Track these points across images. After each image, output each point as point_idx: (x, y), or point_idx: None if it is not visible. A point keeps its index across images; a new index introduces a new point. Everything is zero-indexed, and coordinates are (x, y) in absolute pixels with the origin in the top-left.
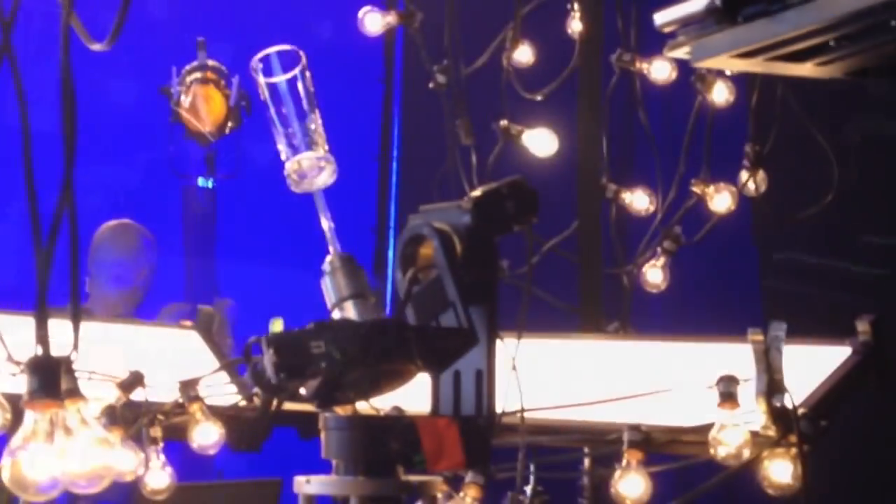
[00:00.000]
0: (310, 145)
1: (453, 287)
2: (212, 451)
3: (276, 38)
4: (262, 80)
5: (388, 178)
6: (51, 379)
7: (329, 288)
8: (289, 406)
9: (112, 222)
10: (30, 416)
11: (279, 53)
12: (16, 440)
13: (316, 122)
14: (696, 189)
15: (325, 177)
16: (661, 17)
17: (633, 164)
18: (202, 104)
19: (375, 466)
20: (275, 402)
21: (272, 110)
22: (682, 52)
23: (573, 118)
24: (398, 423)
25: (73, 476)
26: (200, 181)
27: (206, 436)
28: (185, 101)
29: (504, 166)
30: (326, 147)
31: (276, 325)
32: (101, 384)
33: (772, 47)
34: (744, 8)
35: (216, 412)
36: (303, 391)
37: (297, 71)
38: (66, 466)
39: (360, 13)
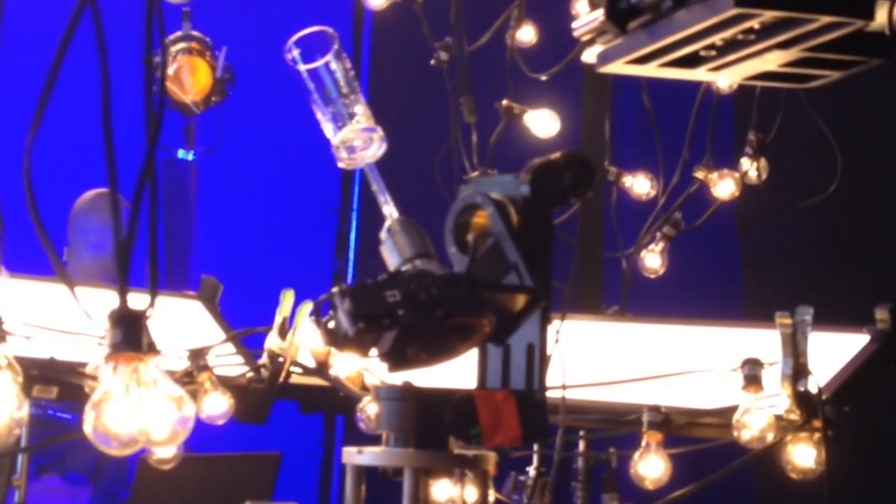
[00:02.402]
0: (353, 119)
1: (514, 249)
2: (220, 422)
3: (256, 14)
4: (301, 66)
5: None
6: (135, 331)
7: (391, 251)
8: (295, 379)
9: (92, 191)
10: (112, 369)
11: (314, 35)
12: (98, 394)
13: (357, 97)
14: (698, 175)
15: (374, 149)
16: (576, 27)
17: (635, 148)
18: (187, 75)
19: (429, 438)
20: (282, 374)
21: (313, 93)
22: (593, 58)
23: (576, 100)
24: (455, 395)
25: (150, 432)
26: (181, 153)
27: (215, 406)
28: (170, 70)
29: (506, 146)
30: (372, 119)
31: (288, 297)
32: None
33: (658, 54)
34: (630, 19)
35: (223, 383)
36: (374, 353)
37: (332, 53)
38: (145, 421)
39: None
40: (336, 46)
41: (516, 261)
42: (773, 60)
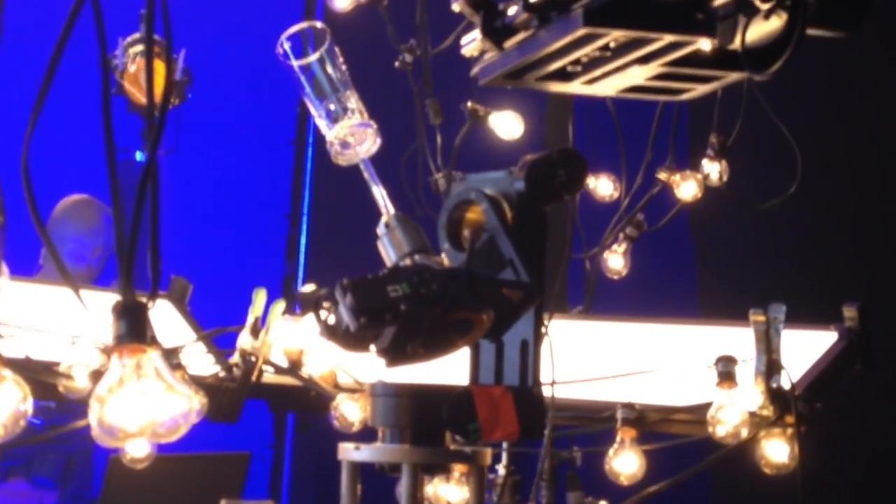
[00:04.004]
0: (347, 115)
1: (509, 245)
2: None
3: (210, 18)
4: (293, 62)
5: (303, 165)
6: (138, 322)
7: (389, 247)
8: (267, 378)
9: (75, 196)
10: (116, 361)
11: (305, 31)
12: (103, 386)
13: (351, 93)
14: (661, 176)
15: (368, 144)
16: (463, 44)
17: (599, 150)
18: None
19: (426, 434)
20: (255, 373)
21: (306, 88)
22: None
23: (541, 102)
24: (452, 390)
25: (155, 424)
26: (139, 155)
27: None
28: (130, 72)
29: (470, 148)
30: (366, 115)
31: (261, 296)
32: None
33: (530, 69)
34: (506, 37)
35: (195, 382)
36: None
37: (323, 49)
38: (149, 413)
39: None
40: (328, 42)
41: (512, 257)
42: (638, 75)
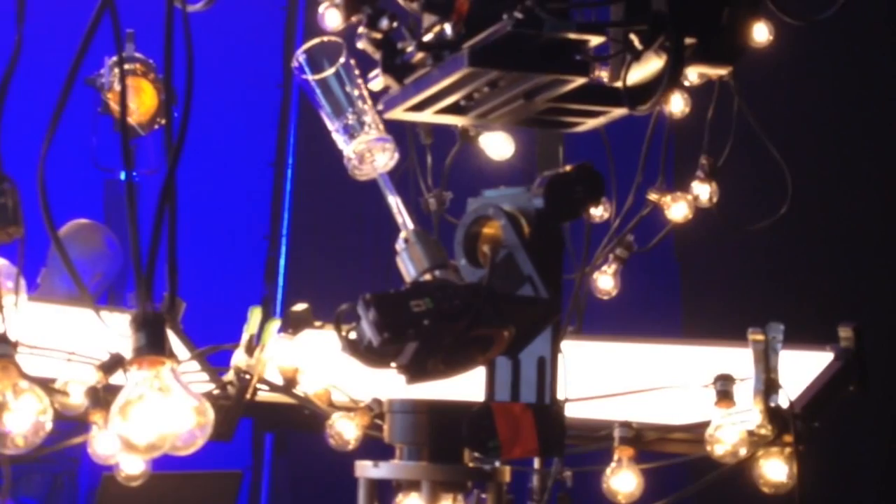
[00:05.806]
0: (364, 129)
1: (528, 261)
2: None
3: (192, 37)
4: (309, 76)
5: (283, 185)
6: (157, 335)
7: (408, 262)
8: (262, 396)
9: (81, 220)
10: (135, 373)
11: (322, 45)
12: (122, 398)
13: (368, 107)
14: (652, 197)
15: (385, 158)
16: (370, 78)
17: None
18: (132, 96)
19: (444, 451)
20: (249, 391)
21: (322, 102)
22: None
23: None
24: (471, 407)
25: (174, 437)
26: (123, 175)
27: None
28: (116, 90)
29: (461, 168)
30: (382, 128)
31: (256, 314)
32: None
33: (427, 103)
34: (406, 74)
35: None
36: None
37: (339, 64)
38: (168, 426)
39: (321, 8)
40: (344, 56)
41: (531, 273)
42: (529, 109)
